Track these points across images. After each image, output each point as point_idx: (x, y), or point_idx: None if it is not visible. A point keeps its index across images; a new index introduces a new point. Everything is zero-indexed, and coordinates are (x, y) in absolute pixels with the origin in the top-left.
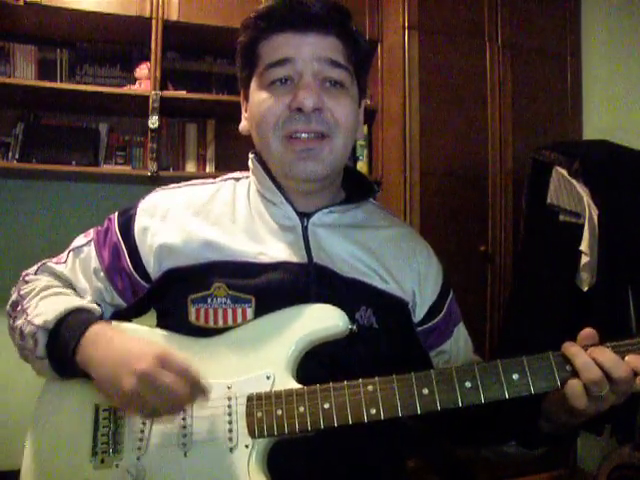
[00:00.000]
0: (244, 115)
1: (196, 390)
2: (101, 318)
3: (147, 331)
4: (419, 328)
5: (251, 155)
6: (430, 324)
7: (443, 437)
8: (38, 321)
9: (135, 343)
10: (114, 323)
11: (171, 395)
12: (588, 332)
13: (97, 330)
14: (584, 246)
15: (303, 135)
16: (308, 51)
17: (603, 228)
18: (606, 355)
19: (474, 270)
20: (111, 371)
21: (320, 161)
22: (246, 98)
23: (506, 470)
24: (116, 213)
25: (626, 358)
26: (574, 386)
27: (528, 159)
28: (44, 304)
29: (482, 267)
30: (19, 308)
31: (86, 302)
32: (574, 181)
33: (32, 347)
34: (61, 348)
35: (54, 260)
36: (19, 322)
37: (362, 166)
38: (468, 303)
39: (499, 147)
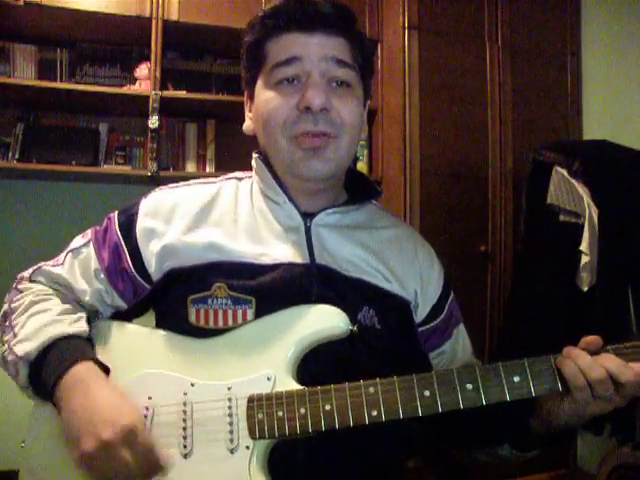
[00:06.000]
0: (248, 115)
1: (154, 471)
2: (89, 338)
3: (148, 332)
4: (420, 329)
5: (255, 155)
6: (431, 325)
7: (436, 438)
8: (20, 351)
9: (109, 402)
10: (115, 323)
11: (124, 473)
12: (592, 338)
13: (77, 375)
14: (584, 246)
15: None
16: (316, 50)
17: (603, 228)
18: (612, 361)
19: (474, 270)
20: (75, 430)
21: (326, 160)
22: (251, 98)
23: (505, 470)
24: (116, 213)
25: (630, 364)
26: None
27: (528, 159)
28: (29, 326)
29: (482, 267)
30: (7, 323)
31: (73, 321)
32: (574, 181)
33: (14, 375)
34: (41, 385)
35: (51, 262)
36: (6, 339)
37: (362, 166)
38: (468, 303)
39: (499, 147)
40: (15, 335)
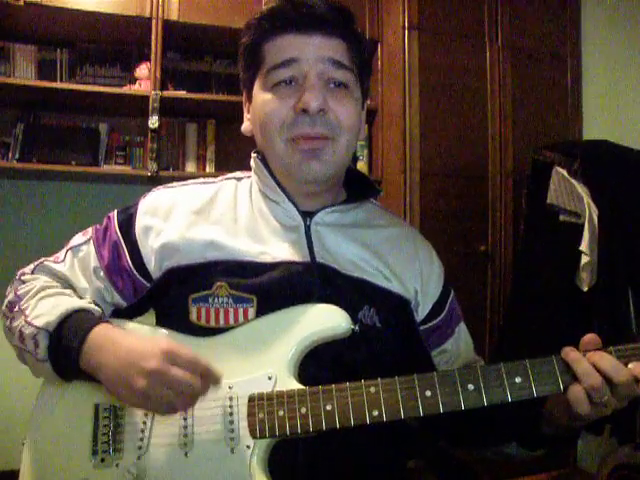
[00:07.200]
0: (246, 116)
1: (208, 379)
2: (101, 318)
3: (149, 330)
4: (421, 327)
5: (254, 154)
6: (432, 323)
7: (442, 438)
8: (39, 322)
9: (139, 342)
10: (116, 321)
11: (184, 388)
12: (591, 337)
13: (100, 333)
14: (584, 246)
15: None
16: (313, 52)
17: (603, 228)
18: (606, 360)
19: (474, 270)
20: (121, 373)
21: (324, 162)
22: (249, 99)
23: (506, 470)
24: (115, 211)
25: (629, 365)
26: (576, 392)
27: (528, 159)
28: (44, 305)
29: (482, 267)
30: (16, 309)
31: (87, 302)
32: (574, 181)
33: (32, 349)
34: (63, 351)
35: (51, 259)
36: (17, 323)
37: (362, 166)
38: (468, 303)
39: (499, 147)
40: (27, 316)
